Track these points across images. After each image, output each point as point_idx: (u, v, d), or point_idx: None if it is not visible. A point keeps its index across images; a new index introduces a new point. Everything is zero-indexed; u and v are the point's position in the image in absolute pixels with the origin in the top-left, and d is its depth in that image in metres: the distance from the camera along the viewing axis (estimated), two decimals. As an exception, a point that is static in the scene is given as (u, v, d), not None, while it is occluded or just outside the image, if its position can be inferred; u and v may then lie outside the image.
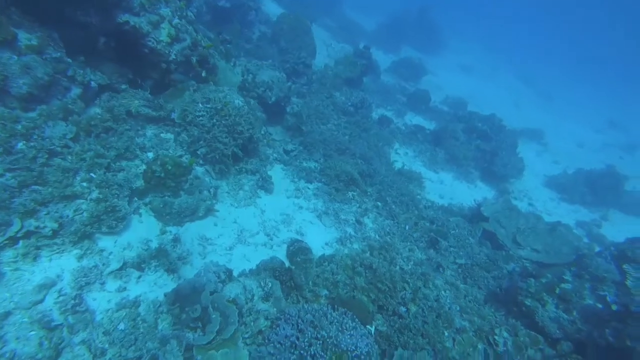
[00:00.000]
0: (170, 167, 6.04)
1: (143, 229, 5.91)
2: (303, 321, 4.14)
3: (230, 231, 6.92)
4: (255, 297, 4.80)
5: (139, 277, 5.20)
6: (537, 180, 17.49)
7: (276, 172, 9.24)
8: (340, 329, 4.06)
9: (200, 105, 7.63)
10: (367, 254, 6.54)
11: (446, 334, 5.78)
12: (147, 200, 6.16)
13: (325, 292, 5.70)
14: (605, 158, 23.05)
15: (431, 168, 15.13)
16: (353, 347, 3.90)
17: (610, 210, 16.11)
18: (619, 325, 5.57)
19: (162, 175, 6.06)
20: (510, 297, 7.22)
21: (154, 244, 5.77)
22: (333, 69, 17.16)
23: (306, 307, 4.57)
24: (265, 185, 8.30)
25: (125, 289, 5.08)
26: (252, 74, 10.43)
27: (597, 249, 10.30)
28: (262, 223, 7.49)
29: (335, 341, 3.88)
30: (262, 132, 9.26)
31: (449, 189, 14.33)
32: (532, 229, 11.02)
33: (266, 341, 4.11)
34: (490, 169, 15.81)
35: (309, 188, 9.28)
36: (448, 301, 6.38)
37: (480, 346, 5.97)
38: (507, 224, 11.05)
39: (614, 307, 5.92)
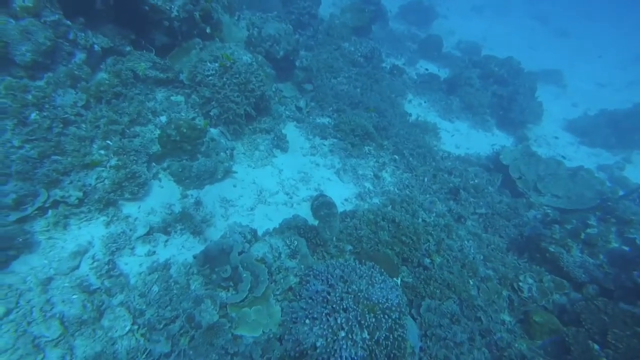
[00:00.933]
0: (185, 130, 5.91)
1: (164, 193, 5.91)
2: (333, 276, 4.17)
3: (250, 192, 6.90)
4: (282, 255, 4.84)
5: (166, 240, 5.27)
6: (556, 125, 16.95)
7: (290, 130, 9.06)
8: (369, 282, 4.09)
9: (209, 64, 7.34)
10: (389, 208, 6.50)
11: (471, 282, 5.83)
12: (165, 165, 6.11)
13: (350, 247, 5.73)
14: (630, 96, 22.02)
15: (446, 117, 14.71)
16: (384, 300, 3.94)
17: (634, 151, 15.64)
18: (649, 266, 5.54)
19: (178, 139, 5.95)
20: (533, 244, 7.20)
21: (176, 208, 5.79)
22: (340, 17, 16.30)
23: (334, 262, 4.60)
24: (281, 144, 8.16)
25: (154, 252, 5.17)
26: (258, 28, 9.93)
27: (620, 192, 10.12)
28: (281, 182, 7.44)
29: (366, 294, 3.92)
30: (273, 90, 8.97)
31: (465, 138, 14.00)
32: (553, 175, 10.81)
33: (297, 297, 4.18)
34: (507, 115, 15.32)
35: (324, 145, 9.12)
36: (472, 251, 6.39)
37: (505, 292, 6.03)
38: (527, 171, 10.85)
39: (643, 248, 5.85)
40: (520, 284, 6.11)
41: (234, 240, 4.78)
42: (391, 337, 3.86)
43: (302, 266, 4.84)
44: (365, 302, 3.89)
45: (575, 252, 6.53)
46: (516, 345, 5.12)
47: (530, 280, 6.15)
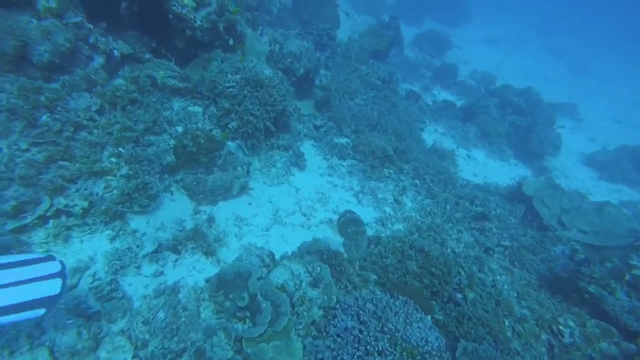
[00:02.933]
0: (202, 141, 5.55)
1: (176, 208, 5.49)
2: (364, 312, 3.67)
3: (266, 211, 6.46)
4: (304, 284, 4.35)
5: (176, 260, 4.80)
6: (574, 158, 16.54)
7: (307, 149, 8.70)
8: (406, 320, 3.58)
9: (230, 75, 7.06)
10: (416, 236, 6.02)
11: (507, 323, 5.27)
12: (178, 177, 5.71)
13: (374, 276, 5.22)
14: (644, 135, 21.70)
15: (463, 145, 14.36)
16: (423, 342, 3.42)
17: (655, 190, 15.15)
18: None
19: (194, 150, 5.58)
20: (567, 282, 6.64)
21: (188, 224, 5.35)
22: (358, 41, 16.31)
23: (365, 295, 4.10)
24: (299, 162, 7.77)
25: (162, 273, 4.69)
26: (280, 44, 9.76)
27: (651, 229, 9.55)
28: (298, 202, 7.00)
29: (404, 335, 3.41)
30: (292, 107, 8.67)
31: (483, 167, 13.60)
32: (578, 208, 10.31)
33: (323, 334, 3.67)
34: (525, 145, 14.95)
35: (342, 165, 8.73)
36: (505, 287, 5.85)
37: (543, 336, 5.45)
38: (551, 204, 10.36)
39: (698, 295, 5.29)
40: (561, 327, 5.53)
41: (251, 263, 4.31)
42: (431, 388, 3.31)
43: (326, 297, 4.33)
44: (403, 344, 3.37)
45: (620, 294, 5.96)
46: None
47: (571, 324, 5.57)
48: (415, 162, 9.73)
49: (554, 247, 8.77)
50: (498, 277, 5.94)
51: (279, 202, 6.77)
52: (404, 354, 3.29)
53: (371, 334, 3.40)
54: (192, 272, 4.74)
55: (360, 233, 5.34)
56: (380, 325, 3.50)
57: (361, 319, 3.59)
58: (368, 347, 3.30)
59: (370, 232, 6.98)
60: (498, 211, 9.61)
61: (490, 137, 14.90)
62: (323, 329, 3.72)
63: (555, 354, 5.35)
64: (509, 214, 9.84)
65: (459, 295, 5.22)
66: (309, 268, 4.51)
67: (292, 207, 6.85)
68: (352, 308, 3.78)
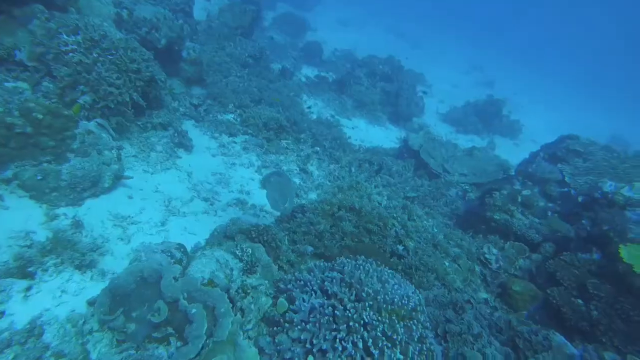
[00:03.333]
0: (41, 117, 3.83)
1: (12, 218, 3.69)
2: (331, 282, 2.85)
3: (154, 203, 5.02)
4: (235, 272, 3.28)
5: (28, 288, 3.14)
6: (435, 118, 18.47)
7: (189, 130, 7.28)
8: (381, 279, 2.90)
9: (65, 36, 5.23)
10: (340, 195, 5.41)
11: (447, 264, 5.12)
12: (8, 174, 3.86)
13: (310, 248, 4.42)
14: (477, 94, 25.69)
15: (343, 115, 14.54)
16: (406, 300, 2.80)
17: (495, 135, 17.96)
18: (592, 214, 5.64)
19: (29, 130, 3.82)
20: (476, 216, 6.99)
21: (40, 236, 3.63)
22: (218, 17, 14.90)
23: (321, 264, 3.26)
24: (184, 141, 6.38)
25: (3, 314, 3.00)
26: (127, 9, 7.92)
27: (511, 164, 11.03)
28: (194, 187, 5.70)
29: (385, 297, 2.71)
30: (163, 76, 7.11)
31: (365, 134, 14.00)
32: (454, 156, 11.26)
33: (283, 326, 2.72)
34: (395, 110, 15.95)
35: (235, 142, 7.61)
36: (435, 230, 5.74)
37: (477, 268, 5.50)
38: (435, 154, 11.10)
39: (579, 199, 6.01)
40: (487, 256, 5.67)
41: (157, 262, 3.03)
42: (425, 349, 2.72)
43: (267, 282, 3.36)
44: (388, 307, 2.67)
45: (518, 215, 6.46)
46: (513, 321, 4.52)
47: (494, 250, 5.77)
48: (309, 131, 9.19)
49: (448, 191, 9.34)
50: (425, 222, 5.80)
51: (169, 191, 5.36)
52: (394, 318, 2.61)
53: (348, 306, 2.62)
54: (62, 297, 3.17)
55: (286, 183, 4.42)
56: (354, 293, 2.74)
57: (329, 292, 2.77)
58: (351, 324, 2.50)
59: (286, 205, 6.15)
60: (394, 168, 9.81)
61: (365, 105, 15.43)
62: (281, 320, 2.77)
63: (489, 282, 5.46)
64: (404, 170, 10.16)
65: (400, 247, 4.84)
66: (237, 252, 3.44)
67: (188, 193, 5.52)
68: (311, 282, 2.92)
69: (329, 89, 16.14)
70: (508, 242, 5.94)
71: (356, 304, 2.66)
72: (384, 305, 2.66)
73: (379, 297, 2.68)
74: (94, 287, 3.27)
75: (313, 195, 6.59)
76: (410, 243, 4.91)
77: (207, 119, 8.11)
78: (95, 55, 5.19)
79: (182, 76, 9.03)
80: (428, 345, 2.78)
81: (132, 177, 4.95)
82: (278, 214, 5.78)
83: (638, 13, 48.35)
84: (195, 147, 6.77)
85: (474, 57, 36.25)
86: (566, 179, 7.20)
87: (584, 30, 52.26)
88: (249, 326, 2.78)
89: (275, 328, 2.72)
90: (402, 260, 4.75)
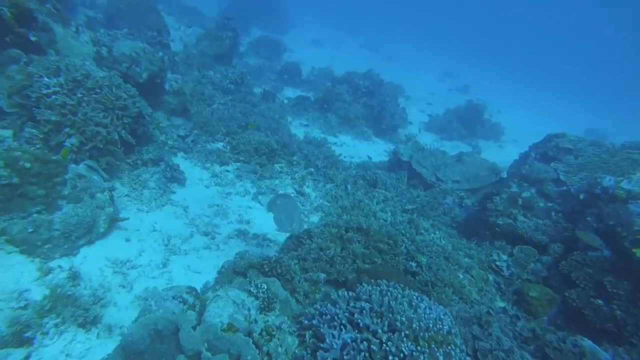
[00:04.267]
0: (29, 165, 3.60)
1: (2, 278, 3.40)
2: (360, 313, 2.68)
3: (153, 243, 4.77)
4: (252, 311, 3.08)
5: (26, 357, 2.85)
6: (418, 127, 18.68)
7: (179, 162, 7.09)
8: (411, 305, 2.75)
9: (47, 79, 5.04)
10: (346, 217, 5.26)
11: (461, 276, 4.99)
12: (-4, 229, 3.59)
13: (323, 275, 4.23)
14: (454, 100, 26.24)
15: (329, 133, 14.54)
16: (440, 323, 2.65)
17: (479, 140, 18.25)
18: (596, 210, 5.65)
19: (16, 181, 3.59)
20: (478, 222, 6.93)
21: (36, 294, 3.35)
22: (196, 46, 14.88)
23: (344, 294, 3.08)
24: (176, 175, 6.17)
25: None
26: (106, 46, 7.77)
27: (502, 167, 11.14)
28: (192, 222, 5.47)
29: (420, 324, 2.55)
30: (149, 111, 6.93)
31: (353, 149, 14.01)
32: (444, 163, 11.30)
33: (314, 366, 2.53)
34: (380, 122, 16.06)
35: (227, 171, 7.43)
36: (443, 242, 5.63)
37: (490, 277, 5.39)
38: (426, 164, 11.11)
39: (581, 196, 6.02)
40: (498, 263, 5.58)
41: (169, 311, 2.81)
42: (465, 373, 2.56)
43: (286, 317, 3.16)
44: (425, 335, 2.52)
45: (521, 218, 6.43)
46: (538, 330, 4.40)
47: (504, 257, 5.69)
48: (300, 153, 9.09)
49: (445, 199, 9.31)
50: (433, 234, 5.70)
51: (167, 228, 5.13)
52: (433, 346, 2.45)
53: (384, 338, 2.45)
54: (67, 361, 2.90)
55: (291, 204, 4.25)
56: (387, 322, 2.57)
57: (360, 325, 2.60)
58: (390, 358, 2.33)
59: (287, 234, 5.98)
60: (388, 182, 9.77)
61: (350, 120, 15.49)
62: (312, 360, 2.57)
63: (504, 290, 5.35)
64: (397, 182, 10.12)
65: (413, 264, 4.70)
66: (252, 289, 3.24)
67: (187, 229, 5.29)
68: (339, 315, 2.74)
69: (312, 107, 16.20)
70: (516, 247, 5.87)
71: (391, 335, 2.50)
72: (421, 334, 2.50)
73: (414, 325, 2.53)
74: (102, 346, 3.01)
75: (314, 218, 6.43)
76: (422, 259, 4.78)
77: (195, 149, 7.93)
78: (79, 96, 5.01)
79: (166, 108, 8.87)
80: (468, 369, 2.62)
81: (128, 219, 4.71)
82: (282, 240, 5.61)
83: (606, 10, 50.81)
84: (188, 180, 6.57)
85: (446, 65, 37.28)
86: (561, 177, 7.24)
87: (552, 28, 54.65)
88: (278, 372, 2.58)
89: (307, 371, 2.53)
90: (416, 277, 4.61)
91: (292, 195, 7.20)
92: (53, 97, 4.93)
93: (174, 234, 5.08)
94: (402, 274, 4.18)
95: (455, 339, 2.68)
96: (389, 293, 2.83)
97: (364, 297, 2.85)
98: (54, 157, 3.93)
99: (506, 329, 4.10)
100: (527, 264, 5.62)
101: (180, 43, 18.12)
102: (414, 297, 2.87)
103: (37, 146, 4.79)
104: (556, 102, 33.82)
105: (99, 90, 5.23)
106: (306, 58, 29.14)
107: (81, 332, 3.14)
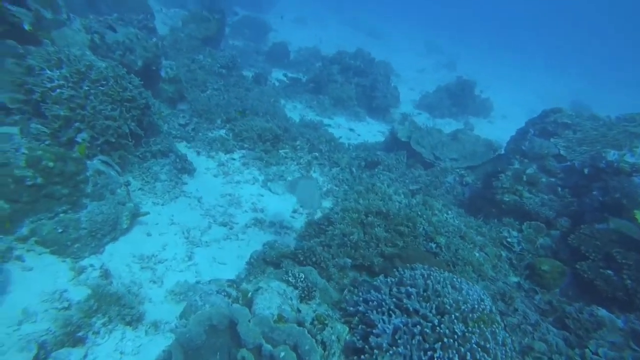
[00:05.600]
0: (52, 164, 3.51)
1: (39, 279, 3.37)
2: (407, 297, 2.76)
3: (174, 236, 4.76)
4: (294, 301, 3.14)
5: (85, 356, 2.86)
6: (410, 105, 18.70)
7: (184, 152, 6.98)
8: (454, 287, 2.85)
9: (49, 71, 4.84)
10: (363, 201, 5.31)
11: (477, 254, 5.15)
12: (24, 231, 3.51)
13: (349, 260, 4.30)
14: (442, 76, 26.28)
15: (324, 115, 14.46)
16: (483, 304, 2.76)
17: (470, 116, 18.42)
18: (602, 183, 5.85)
19: (41, 181, 3.50)
20: (484, 200, 7.11)
21: (73, 293, 3.33)
22: (183, 29, 14.40)
23: (387, 280, 3.15)
24: (186, 166, 6.10)
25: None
26: (98, 34, 7.47)
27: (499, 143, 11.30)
28: (207, 213, 5.45)
29: (465, 305, 2.66)
30: (152, 101, 6.75)
31: (348, 131, 14.00)
32: (441, 142, 11.40)
33: (372, 353, 2.60)
34: (372, 102, 16.02)
35: (233, 159, 7.36)
36: (457, 221, 5.77)
37: (503, 254, 5.58)
38: (424, 143, 11.20)
39: (585, 171, 6.21)
40: (509, 239, 5.77)
41: (217, 305, 2.85)
42: (508, 351, 2.70)
43: (327, 305, 3.24)
44: (472, 315, 2.62)
45: (526, 194, 6.61)
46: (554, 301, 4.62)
47: (514, 233, 5.89)
48: (302, 137, 9.04)
49: (446, 178, 9.47)
50: (445, 214, 5.83)
51: (184, 220, 5.10)
52: (482, 326, 2.57)
53: (436, 322, 2.54)
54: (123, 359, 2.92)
55: (312, 180, 4.38)
56: (436, 306, 2.67)
57: (409, 309, 2.69)
58: (445, 340, 2.43)
59: (301, 218, 6.03)
60: (389, 162, 9.84)
61: (343, 102, 15.40)
62: (366, 347, 2.65)
63: (515, 265, 5.55)
64: (397, 162, 10.21)
65: (433, 245, 4.82)
66: (290, 279, 3.29)
67: (204, 220, 5.27)
68: (384, 301, 2.82)
69: (304, 90, 16.03)
70: (525, 223, 6.06)
71: (441, 317, 2.60)
72: (470, 315, 2.61)
73: (462, 307, 2.63)
74: (152, 343, 3.04)
75: (326, 203, 6.47)
76: (441, 239, 4.90)
77: (197, 138, 7.81)
78: (86, 89, 4.83)
79: (163, 96, 8.65)
80: (510, 346, 2.76)
81: (148, 213, 4.66)
82: (298, 226, 5.66)
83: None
84: (197, 170, 6.50)
85: (431, 40, 37.03)
86: (562, 152, 7.43)
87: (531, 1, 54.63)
88: (334, 358, 2.66)
89: (362, 356, 2.61)
90: (437, 257, 4.74)
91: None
92: (58, 91, 4.75)
93: (192, 225, 5.06)
94: (432, 257, 4.28)
95: (497, 318, 2.80)
96: (431, 277, 2.92)
97: (408, 282, 2.94)
98: (74, 155, 3.83)
99: (526, 303, 4.29)
100: (536, 239, 5.83)
101: (164, 26, 17.52)
102: (454, 279, 2.97)
103: (46, 142, 4.64)
104: (539, 76, 34.19)
105: (104, 82, 5.06)
106: (291, 38, 28.54)
107: (129, 330, 3.15)
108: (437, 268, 3.31)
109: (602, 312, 4.20)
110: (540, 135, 8.33)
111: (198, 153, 7.22)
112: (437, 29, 40.82)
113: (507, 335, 2.89)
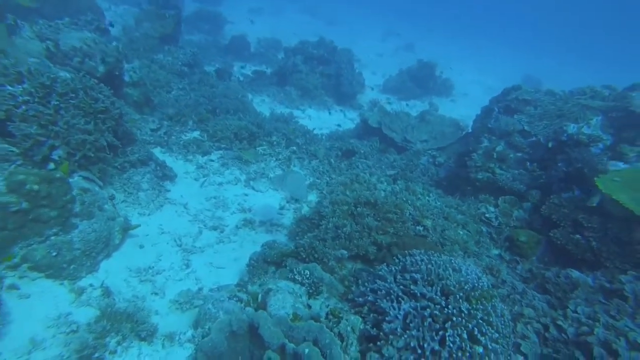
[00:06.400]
0: (37, 187, 3.38)
1: (39, 305, 3.28)
2: (412, 282, 2.95)
3: (166, 245, 4.71)
4: (303, 297, 3.25)
5: (100, 378, 2.85)
6: (375, 90, 18.99)
7: (159, 157, 6.84)
8: (454, 268, 3.06)
9: (10, 87, 4.57)
10: (348, 193, 5.45)
11: (461, 232, 5.47)
12: (15, 259, 3.38)
13: (345, 252, 4.45)
14: (400, 60, 26.72)
15: (292, 107, 14.45)
16: (481, 281, 2.99)
17: (433, 96, 18.98)
18: (565, 155, 6.32)
19: (26, 206, 3.36)
20: (459, 179, 7.47)
21: (78, 316, 3.27)
22: (137, 28, 13.80)
23: (394, 267, 3.31)
24: (167, 172, 5.99)
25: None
26: (51, 40, 7.08)
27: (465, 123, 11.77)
28: (195, 218, 5.42)
29: (466, 285, 2.88)
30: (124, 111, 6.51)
31: (318, 121, 14.08)
32: (410, 125, 11.73)
33: (388, 339, 2.77)
34: (339, 90, 16.15)
35: (211, 160, 7.29)
36: (438, 203, 6.05)
37: (484, 229, 5.94)
38: (395, 127, 11.48)
39: (549, 145, 6.66)
40: (487, 215, 6.14)
41: (233, 311, 2.91)
42: (505, 321, 2.97)
43: (334, 298, 3.38)
44: (474, 293, 2.85)
45: (498, 170, 7.01)
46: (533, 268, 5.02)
47: (492, 209, 6.26)
48: (277, 132, 9.04)
49: (419, 160, 9.81)
50: (427, 197, 6.10)
51: (174, 229, 5.05)
52: (484, 301, 2.80)
53: (443, 303, 2.75)
54: (143, 377, 2.93)
55: (298, 174, 4.56)
56: (440, 288, 2.87)
57: (416, 294, 2.87)
58: (454, 319, 2.64)
59: (289, 214, 6.12)
60: (363, 150, 10.04)
61: (310, 92, 15.44)
62: (381, 334, 2.81)
63: (495, 238, 5.94)
64: (371, 149, 10.44)
65: (420, 228, 5.07)
66: (296, 277, 3.40)
67: (193, 226, 5.24)
68: (392, 289, 2.99)
69: (269, 82, 15.92)
70: (500, 198, 6.45)
71: (447, 299, 2.81)
72: (472, 293, 2.83)
73: (465, 287, 2.85)
74: (171, 356, 3.05)
75: (311, 197, 6.58)
76: (427, 222, 5.16)
77: (171, 142, 7.64)
78: (55, 103, 4.62)
79: (128, 101, 8.34)
80: (507, 316, 3.02)
81: (139, 226, 4.58)
82: (287, 223, 5.75)
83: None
84: (177, 175, 6.39)
85: (385, 23, 37.50)
86: (526, 127, 7.90)
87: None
88: (352, 348, 2.81)
89: (378, 343, 2.77)
90: (426, 239, 4.99)
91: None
92: (24, 107, 4.51)
93: (182, 233, 5.03)
94: (427, 241, 4.51)
95: (494, 292, 3.05)
96: (432, 261, 3.12)
97: (412, 268, 3.12)
98: (58, 175, 3.69)
99: (511, 274, 4.64)
100: (511, 212, 6.24)
101: (115, 25, 16.65)
102: (452, 260, 3.20)
103: (18, 163, 4.41)
104: (489, 54, 35.48)
105: (73, 95, 4.84)
106: (248, 29, 27.96)
107: (144, 345, 3.14)
108: (433, 252, 3.53)
109: (575, 273, 4.62)
110: (505, 113, 8.78)
111: (175, 158, 7.09)
112: (394, 14, 41.26)
113: (504, 307, 3.15)
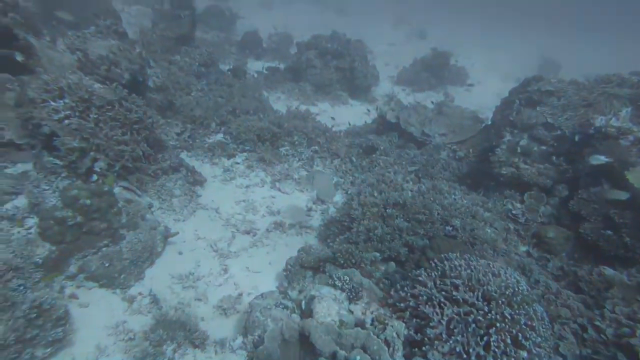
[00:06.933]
0: (89, 202, 3.56)
1: (97, 314, 3.48)
2: (453, 288, 3.04)
3: (203, 251, 4.89)
4: (345, 303, 3.37)
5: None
6: (389, 82, 18.86)
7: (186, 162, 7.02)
8: (492, 272, 3.14)
9: (53, 102, 4.76)
10: (378, 195, 5.53)
11: (489, 231, 5.51)
12: (72, 270, 3.59)
13: (377, 254, 4.55)
14: (413, 48, 26.36)
15: (308, 103, 14.50)
16: (519, 285, 3.06)
17: (447, 86, 18.74)
18: (591, 149, 6.26)
19: (80, 220, 3.55)
20: (481, 174, 7.46)
21: (134, 324, 3.47)
22: (153, 30, 13.96)
23: (434, 272, 3.41)
24: (198, 178, 6.17)
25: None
26: (81, 51, 7.26)
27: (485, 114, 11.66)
28: (227, 222, 5.59)
29: (506, 289, 2.95)
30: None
31: (334, 116, 14.12)
32: (427, 118, 11.65)
33: (433, 344, 2.88)
34: (353, 83, 16.11)
35: (237, 163, 7.43)
36: (464, 201, 6.09)
37: (511, 226, 5.97)
38: (413, 122, 11.43)
39: (576, 138, 6.60)
40: (513, 212, 6.15)
41: (277, 318, 3.05)
42: (545, 324, 3.04)
43: (375, 303, 3.49)
44: (515, 298, 2.93)
45: (522, 165, 6.98)
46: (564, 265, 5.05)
47: (518, 205, 6.26)
48: (297, 131, 9.13)
49: (440, 155, 9.78)
50: (453, 196, 6.14)
51: (208, 234, 5.23)
52: (525, 306, 2.88)
53: (486, 309, 2.83)
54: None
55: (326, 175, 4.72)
56: (481, 294, 2.96)
57: (458, 300, 2.97)
58: (498, 325, 2.73)
59: (317, 215, 6.24)
60: (383, 146, 10.05)
61: (325, 87, 15.47)
62: (427, 340, 2.92)
63: (522, 235, 5.96)
64: (390, 145, 10.45)
65: (449, 228, 5.13)
66: (337, 283, 3.52)
67: (226, 231, 5.41)
68: (434, 295, 3.09)
69: (284, 78, 15.97)
70: (526, 194, 6.44)
71: (489, 304, 2.89)
72: (514, 298, 2.91)
73: (506, 292, 2.93)
74: (224, 361, 3.23)
75: (337, 197, 6.68)
76: (456, 221, 5.22)
77: (196, 145, 7.81)
78: (94, 116, 4.80)
79: (153, 106, 8.53)
80: (547, 319, 3.09)
81: (178, 233, 4.76)
82: (315, 225, 5.87)
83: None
84: (206, 180, 6.56)
85: (397, 11, 36.91)
86: (549, 120, 7.81)
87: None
88: (398, 354, 2.93)
89: (423, 348, 2.89)
90: (455, 239, 5.05)
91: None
92: (67, 122, 4.70)
93: (217, 237, 5.20)
94: (461, 244, 4.58)
95: (534, 296, 3.12)
96: (471, 266, 3.20)
97: (452, 274, 3.21)
98: (105, 188, 3.87)
99: (543, 272, 4.68)
100: (537, 208, 6.23)
101: (130, 27, 16.87)
102: (491, 264, 3.27)
103: (63, 175, 4.62)
104: (502, 36, 34.58)
105: (110, 107, 5.02)
106: (259, 23, 27.92)
107: (198, 352, 3.33)
108: (469, 256, 3.60)
109: (609, 270, 4.63)
110: (527, 105, 8.68)
111: (201, 161, 7.26)
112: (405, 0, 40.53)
113: (543, 309, 3.22)
